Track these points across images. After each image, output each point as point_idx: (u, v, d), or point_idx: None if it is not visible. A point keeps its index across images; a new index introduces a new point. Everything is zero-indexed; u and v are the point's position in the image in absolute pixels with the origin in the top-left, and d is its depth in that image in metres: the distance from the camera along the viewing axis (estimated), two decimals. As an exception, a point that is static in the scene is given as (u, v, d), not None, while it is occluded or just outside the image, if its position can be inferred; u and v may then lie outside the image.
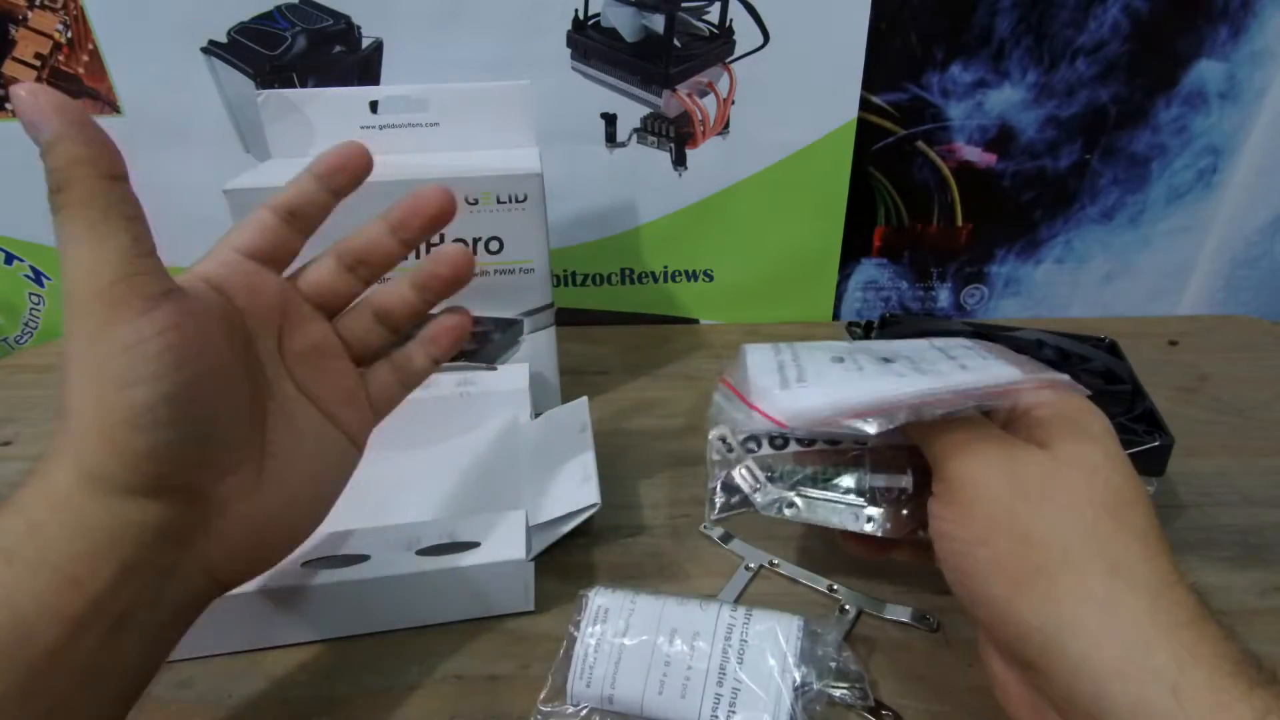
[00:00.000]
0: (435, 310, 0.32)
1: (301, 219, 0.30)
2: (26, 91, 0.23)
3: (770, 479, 0.32)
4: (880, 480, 0.31)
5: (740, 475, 0.32)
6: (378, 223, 0.31)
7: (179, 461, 0.23)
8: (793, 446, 0.32)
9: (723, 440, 0.32)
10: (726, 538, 0.39)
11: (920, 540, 0.30)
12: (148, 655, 0.24)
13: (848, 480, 0.31)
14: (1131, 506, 0.24)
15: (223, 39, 0.53)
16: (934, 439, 0.27)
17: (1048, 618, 0.22)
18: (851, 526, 0.31)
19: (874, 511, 0.31)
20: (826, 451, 0.32)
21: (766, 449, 0.32)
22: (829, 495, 0.31)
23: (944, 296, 0.66)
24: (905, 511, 0.30)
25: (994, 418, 0.28)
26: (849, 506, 0.31)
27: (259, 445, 0.27)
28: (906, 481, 0.31)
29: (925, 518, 0.28)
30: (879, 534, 0.31)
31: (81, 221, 0.22)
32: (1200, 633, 0.21)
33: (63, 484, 0.22)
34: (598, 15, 0.53)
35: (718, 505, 0.32)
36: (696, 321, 0.65)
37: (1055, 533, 0.23)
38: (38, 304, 0.63)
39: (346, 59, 0.54)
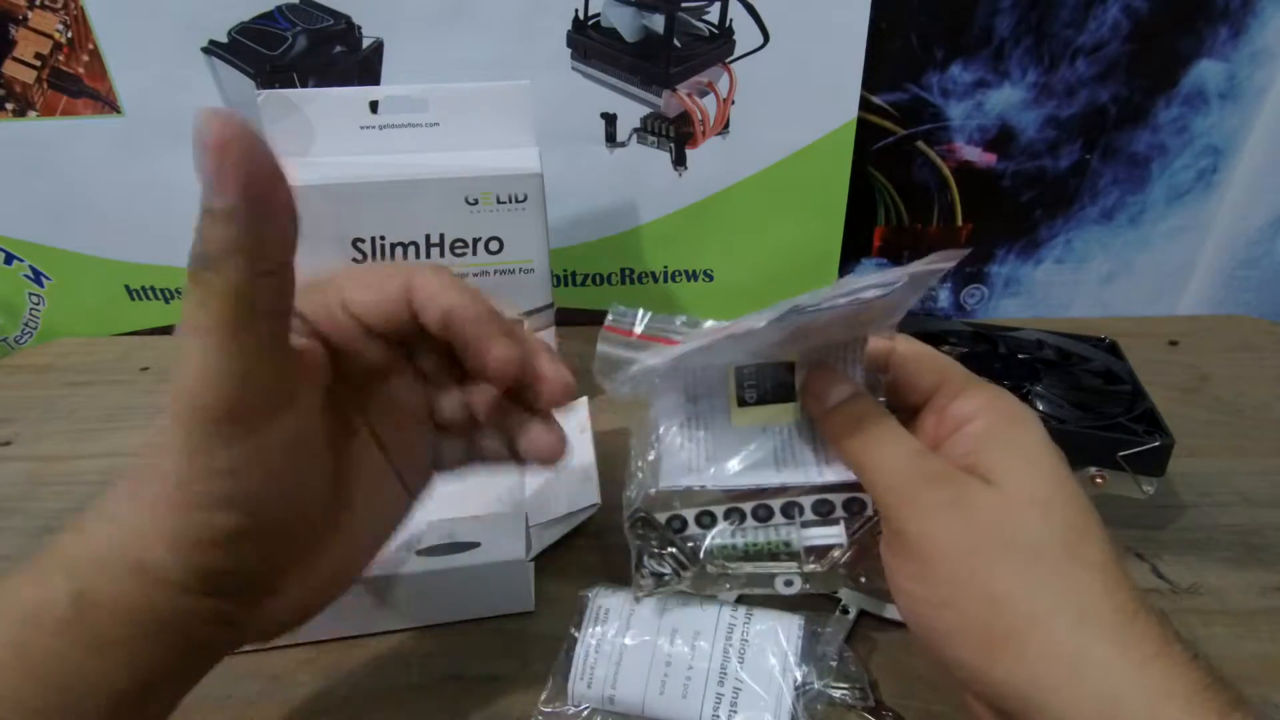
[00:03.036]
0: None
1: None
2: (217, 134, 0.18)
3: (694, 559, 0.31)
4: (813, 537, 0.30)
5: (665, 562, 0.31)
6: (499, 334, 0.25)
7: (252, 571, 0.23)
8: (720, 525, 0.30)
9: (643, 521, 0.31)
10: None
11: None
12: (172, 704, 0.23)
13: (781, 538, 0.30)
14: (1087, 537, 0.23)
15: (223, 39, 0.53)
16: (877, 483, 0.26)
17: (1023, 680, 0.22)
18: (783, 591, 0.30)
19: (805, 569, 0.30)
20: (758, 527, 0.30)
21: (693, 528, 0.30)
22: (759, 567, 0.30)
23: (944, 296, 0.66)
24: (843, 568, 0.30)
25: (921, 431, 0.27)
26: (781, 573, 0.30)
27: (331, 519, 0.25)
28: (838, 535, 0.29)
29: (863, 569, 0.29)
30: (813, 592, 0.30)
31: (213, 319, 0.19)
32: (1169, 663, 0.21)
33: (116, 564, 0.21)
34: (598, 15, 0.53)
35: (645, 588, 0.31)
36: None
37: (1021, 588, 0.22)
38: (37, 304, 0.63)
39: (346, 59, 0.54)
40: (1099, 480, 0.37)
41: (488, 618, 0.35)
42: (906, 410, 0.28)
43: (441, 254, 0.45)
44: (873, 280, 0.24)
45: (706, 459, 0.30)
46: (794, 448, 0.29)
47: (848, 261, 0.64)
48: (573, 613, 0.32)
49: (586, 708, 0.30)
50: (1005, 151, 0.59)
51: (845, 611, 0.34)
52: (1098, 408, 0.38)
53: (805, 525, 0.30)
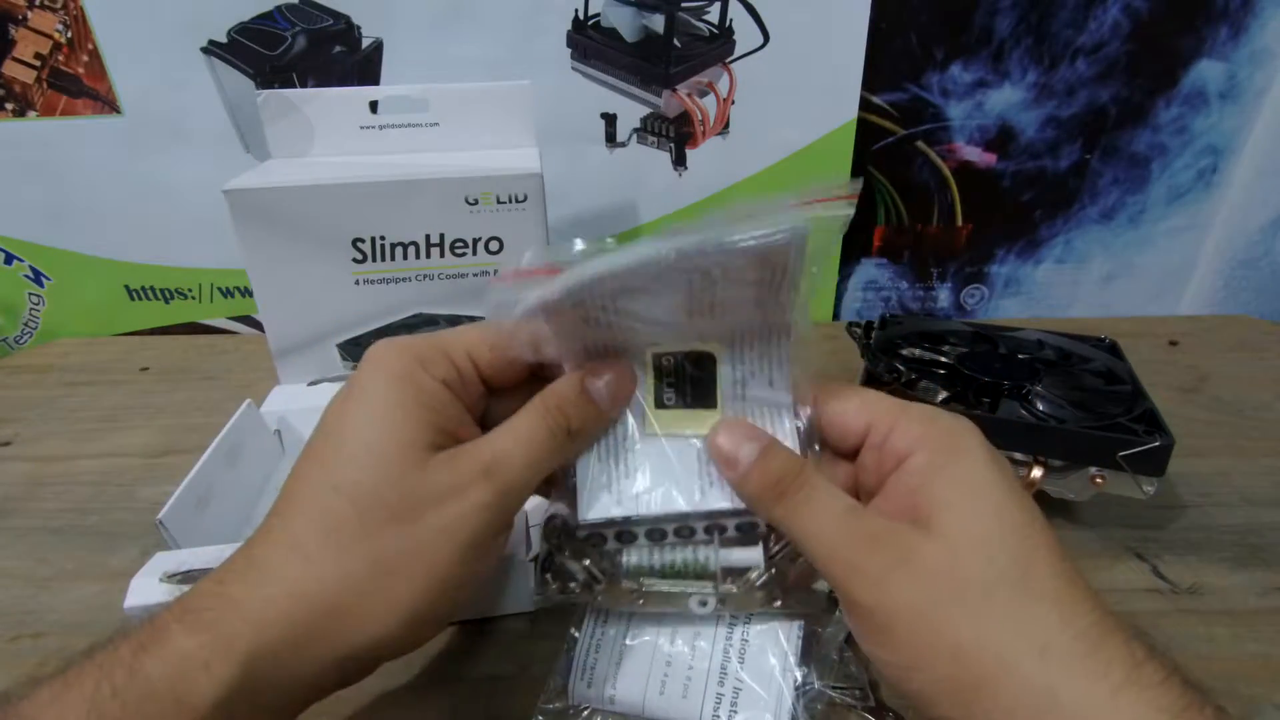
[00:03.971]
0: None
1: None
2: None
3: (610, 575, 0.29)
4: (731, 560, 0.28)
5: (578, 567, 0.29)
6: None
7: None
8: (640, 541, 0.28)
9: (557, 529, 0.29)
10: (727, 538, 0.39)
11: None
12: None
13: (698, 558, 0.29)
14: (1033, 569, 0.22)
15: (223, 39, 0.53)
16: (816, 555, 0.25)
17: None
18: (697, 611, 0.29)
19: (720, 590, 0.29)
20: (676, 544, 0.29)
21: (611, 543, 0.29)
22: (675, 586, 0.29)
23: (944, 296, 0.66)
24: (760, 591, 0.29)
25: (864, 469, 0.27)
26: (696, 593, 0.29)
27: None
28: (756, 558, 0.28)
29: (780, 592, 0.29)
30: (729, 613, 0.30)
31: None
32: (1138, 688, 0.20)
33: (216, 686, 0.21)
34: (598, 15, 0.53)
35: (545, 592, 0.30)
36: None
37: (979, 633, 0.22)
38: (37, 304, 0.63)
39: (346, 59, 0.54)
40: (1099, 480, 0.37)
41: (488, 618, 0.35)
42: (846, 451, 0.28)
43: (441, 254, 0.45)
44: (755, 231, 0.22)
45: (626, 475, 0.28)
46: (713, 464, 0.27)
47: (848, 262, 0.64)
48: (573, 613, 0.32)
49: (586, 708, 0.30)
50: (1005, 151, 0.59)
51: (845, 611, 0.34)
52: (1098, 408, 0.38)
53: (725, 544, 0.28)
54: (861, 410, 0.27)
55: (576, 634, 0.31)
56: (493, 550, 0.27)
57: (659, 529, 0.28)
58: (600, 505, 0.28)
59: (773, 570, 0.28)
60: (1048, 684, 0.21)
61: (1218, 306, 0.65)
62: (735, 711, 0.28)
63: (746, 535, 0.28)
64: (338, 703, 0.31)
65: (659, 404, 0.28)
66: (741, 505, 0.27)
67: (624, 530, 0.28)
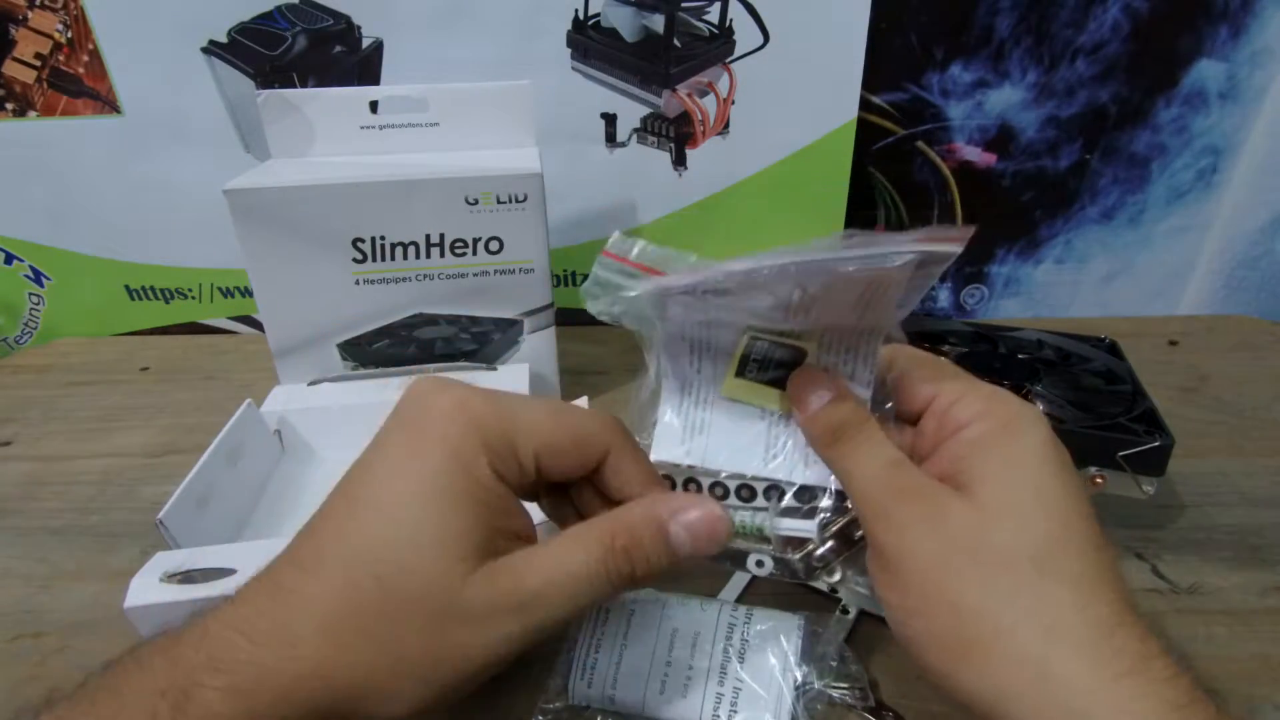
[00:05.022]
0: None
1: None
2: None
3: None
4: (785, 528, 0.30)
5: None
6: (640, 492, 0.27)
7: None
8: (704, 494, 0.30)
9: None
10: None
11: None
12: None
13: (756, 523, 0.30)
14: (1063, 549, 0.23)
15: (223, 39, 0.53)
16: (855, 494, 0.26)
17: (988, 688, 0.22)
18: (754, 570, 0.30)
19: (778, 555, 0.30)
20: (738, 506, 0.30)
21: (679, 489, 0.31)
22: (735, 542, 0.30)
23: (944, 296, 0.66)
24: (817, 562, 0.30)
25: (921, 435, 0.27)
26: (754, 551, 0.30)
27: None
28: (810, 529, 0.29)
29: (837, 565, 0.29)
30: (783, 579, 0.30)
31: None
32: (1143, 681, 0.20)
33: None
34: (598, 15, 0.53)
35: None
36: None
37: (986, 599, 0.22)
38: (37, 304, 0.63)
39: (346, 59, 0.54)
40: (1099, 480, 0.37)
41: (488, 618, 0.35)
42: (911, 416, 0.28)
43: (441, 254, 0.45)
44: (862, 253, 0.23)
45: (700, 430, 0.30)
46: (785, 438, 0.29)
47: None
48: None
49: (586, 707, 0.30)
50: (1005, 151, 0.59)
51: (845, 611, 0.34)
52: (1098, 408, 0.38)
53: (783, 514, 0.30)
54: (931, 379, 0.27)
55: (576, 634, 0.31)
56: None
57: (723, 484, 0.30)
58: (671, 449, 0.30)
59: (828, 543, 0.29)
60: (1044, 659, 0.21)
61: (1218, 306, 0.65)
62: (735, 711, 0.28)
63: (804, 505, 0.30)
64: (338, 703, 0.31)
65: (739, 373, 0.29)
66: (800, 481, 0.29)
67: (690, 479, 0.30)
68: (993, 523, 0.23)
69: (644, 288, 0.27)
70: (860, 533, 0.29)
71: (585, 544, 0.24)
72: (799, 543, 0.30)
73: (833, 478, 0.28)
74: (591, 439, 0.27)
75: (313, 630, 0.22)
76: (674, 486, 0.30)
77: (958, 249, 0.23)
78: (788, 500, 0.29)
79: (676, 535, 0.25)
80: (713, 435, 0.30)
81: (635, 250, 0.29)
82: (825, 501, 0.29)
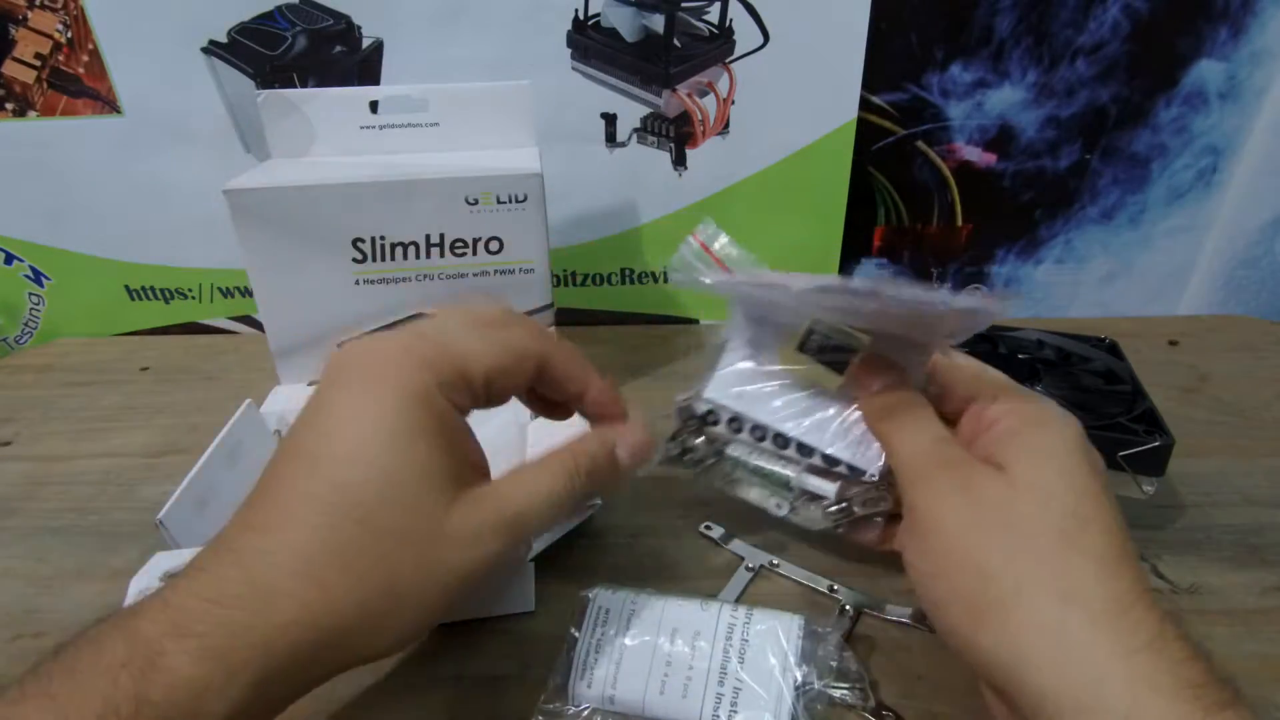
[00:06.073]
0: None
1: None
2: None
3: (717, 456, 0.36)
4: (808, 484, 0.34)
5: (700, 441, 0.36)
6: (591, 385, 0.31)
7: None
8: (744, 434, 0.35)
9: (687, 409, 0.36)
10: (726, 538, 0.39)
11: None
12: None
13: (784, 473, 0.34)
14: (1088, 527, 0.23)
15: (223, 39, 0.53)
16: (899, 462, 0.28)
17: (1006, 651, 0.22)
18: (774, 512, 0.35)
19: (798, 503, 0.34)
20: (773, 453, 0.35)
21: (724, 427, 0.35)
22: (762, 485, 0.35)
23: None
24: (828, 518, 0.33)
25: (959, 433, 0.29)
26: (776, 495, 0.35)
27: None
28: (830, 490, 0.33)
29: (845, 526, 0.33)
30: (800, 525, 0.34)
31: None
32: (1159, 656, 0.21)
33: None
34: (598, 15, 0.53)
35: (666, 452, 0.36)
36: (696, 322, 0.65)
37: (1008, 564, 0.23)
38: (37, 304, 0.63)
39: (346, 59, 0.54)
40: (1099, 480, 0.37)
41: (488, 618, 0.35)
42: (951, 418, 0.30)
43: (441, 254, 0.45)
44: (909, 297, 0.26)
45: (753, 383, 0.35)
46: (822, 411, 0.33)
47: (848, 261, 0.64)
48: (573, 613, 0.32)
49: (586, 708, 0.30)
50: (1005, 151, 0.59)
51: (845, 611, 0.34)
52: (1098, 408, 0.38)
53: (808, 471, 0.34)
54: (973, 380, 0.30)
55: (576, 634, 0.31)
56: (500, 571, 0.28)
57: (762, 427, 0.34)
58: (726, 392, 0.35)
59: (844, 504, 0.33)
60: (1062, 625, 0.22)
61: (1218, 306, 0.65)
62: (735, 711, 0.28)
63: (829, 467, 0.33)
64: (339, 703, 0.31)
65: (801, 347, 0.33)
66: (827, 451, 0.33)
67: (735, 417, 0.35)
68: (1023, 495, 0.24)
69: (717, 280, 0.32)
70: (861, 509, 0.32)
71: (554, 471, 0.28)
72: (815, 498, 0.34)
73: (854, 454, 0.32)
74: (529, 351, 0.29)
75: (291, 580, 0.22)
76: (716, 424, 0.35)
77: (998, 308, 0.26)
78: (816, 459, 0.33)
79: (620, 455, 0.30)
80: (763, 390, 0.35)
81: (718, 244, 0.34)
82: (845, 469, 0.33)
